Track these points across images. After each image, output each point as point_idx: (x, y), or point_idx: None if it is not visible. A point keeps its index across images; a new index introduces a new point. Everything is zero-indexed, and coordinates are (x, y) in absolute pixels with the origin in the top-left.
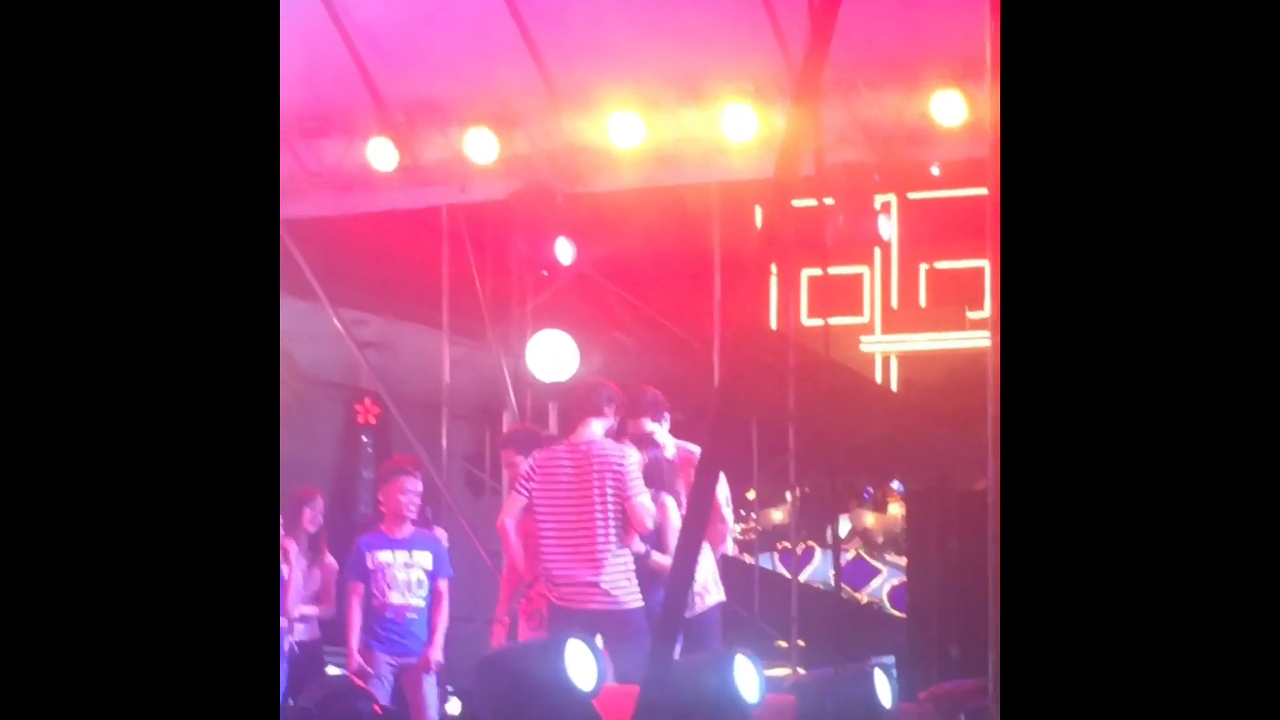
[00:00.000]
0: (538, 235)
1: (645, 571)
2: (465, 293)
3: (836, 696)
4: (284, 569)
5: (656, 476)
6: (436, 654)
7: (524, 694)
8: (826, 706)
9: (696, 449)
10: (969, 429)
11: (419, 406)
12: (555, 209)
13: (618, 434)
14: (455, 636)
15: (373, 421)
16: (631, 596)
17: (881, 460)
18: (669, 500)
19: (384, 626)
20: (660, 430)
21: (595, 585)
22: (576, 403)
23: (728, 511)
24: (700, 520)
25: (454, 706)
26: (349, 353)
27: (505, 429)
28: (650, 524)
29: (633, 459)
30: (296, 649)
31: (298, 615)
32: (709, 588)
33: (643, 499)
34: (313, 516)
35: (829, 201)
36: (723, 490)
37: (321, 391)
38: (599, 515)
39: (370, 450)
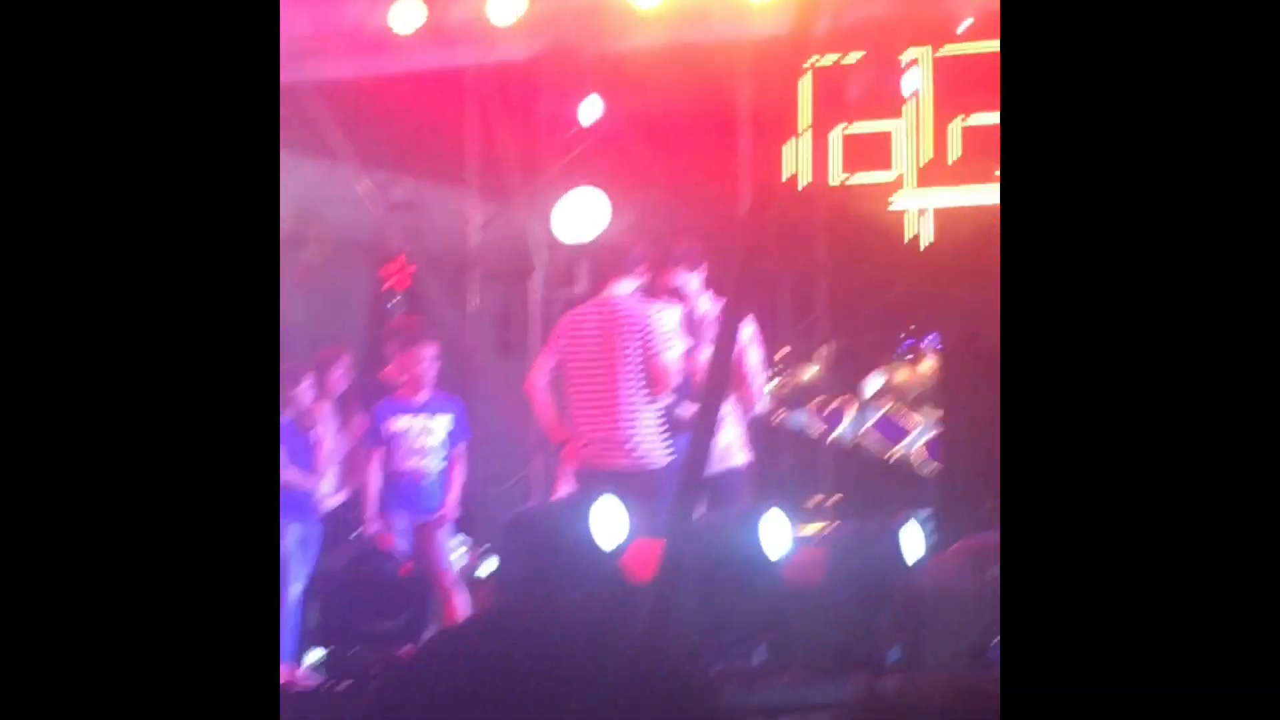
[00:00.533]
0: (564, 94)
1: (674, 422)
2: (493, 153)
3: (866, 550)
4: (317, 430)
5: (687, 330)
6: (452, 511)
7: (552, 552)
8: (856, 560)
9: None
10: (999, 285)
11: (448, 268)
12: (581, 68)
13: (651, 287)
14: (487, 498)
15: (405, 285)
16: (661, 452)
17: (914, 316)
18: (700, 354)
19: (402, 490)
20: (693, 282)
21: (622, 444)
22: (605, 261)
23: (759, 376)
24: (722, 375)
25: (489, 566)
26: (378, 215)
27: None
28: (673, 383)
29: (660, 316)
30: (330, 513)
31: (330, 482)
32: (734, 450)
33: (668, 357)
34: (340, 377)
35: (854, 58)
36: (754, 355)
37: (351, 254)
38: (625, 373)
39: (403, 311)
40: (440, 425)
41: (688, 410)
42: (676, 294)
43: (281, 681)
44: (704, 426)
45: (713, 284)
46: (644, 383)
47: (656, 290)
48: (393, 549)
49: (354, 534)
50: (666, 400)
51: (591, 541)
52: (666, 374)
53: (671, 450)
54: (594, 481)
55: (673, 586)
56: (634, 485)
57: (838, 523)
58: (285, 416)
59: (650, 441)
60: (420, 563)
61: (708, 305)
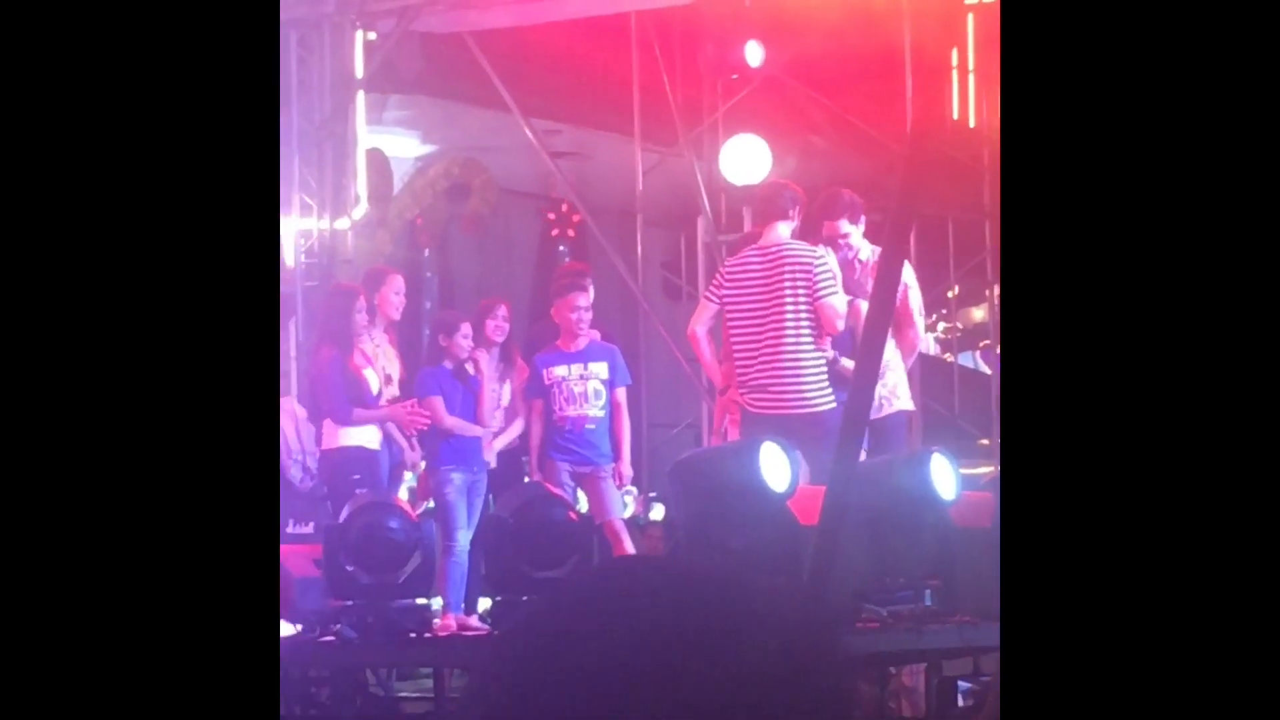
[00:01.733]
0: (726, 39)
1: (834, 377)
2: (656, 99)
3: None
4: (476, 381)
5: (849, 279)
6: (625, 468)
7: (719, 496)
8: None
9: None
10: None
11: (613, 214)
12: (743, 12)
13: (812, 237)
14: (653, 442)
15: (570, 233)
16: (825, 398)
17: None
18: (862, 304)
19: (563, 438)
20: (856, 233)
21: (788, 389)
22: (761, 206)
23: (919, 320)
24: (883, 317)
25: (657, 513)
26: (542, 163)
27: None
28: (841, 324)
29: (823, 258)
30: (494, 461)
31: (495, 428)
32: (897, 393)
33: (833, 299)
34: (496, 326)
35: None
36: (915, 298)
37: (516, 202)
38: (790, 317)
39: (568, 260)
40: (597, 372)
41: (849, 362)
42: (839, 244)
43: (454, 629)
44: (867, 369)
45: (875, 235)
46: (809, 327)
47: (818, 238)
48: (559, 496)
49: (521, 482)
50: (830, 353)
51: (759, 485)
52: (833, 317)
53: (834, 398)
54: (760, 427)
55: (838, 530)
56: (801, 430)
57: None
58: (444, 365)
59: (816, 386)
60: (587, 509)
61: (869, 255)
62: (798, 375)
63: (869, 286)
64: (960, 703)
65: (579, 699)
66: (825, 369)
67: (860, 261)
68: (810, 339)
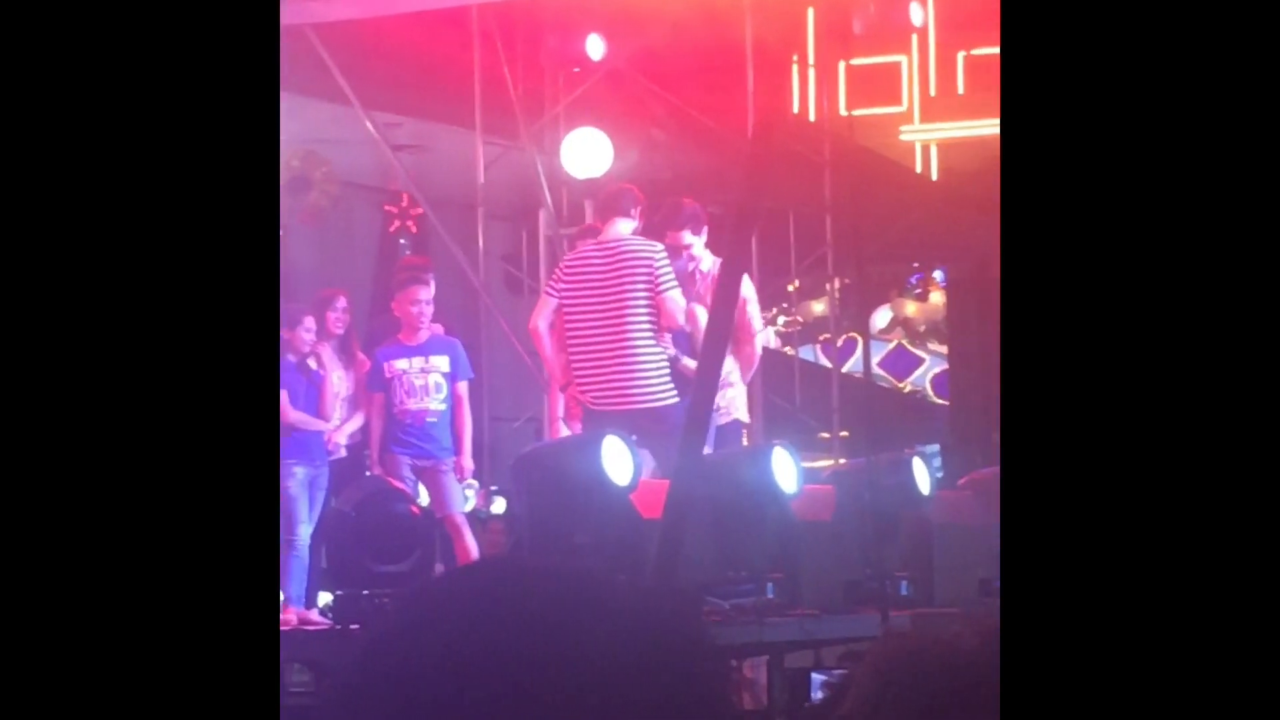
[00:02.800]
0: (568, 32)
1: (676, 375)
2: (497, 92)
3: (875, 485)
4: (319, 373)
5: (690, 290)
6: (467, 461)
7: (562, 491)
8: (865, 495)
9: None
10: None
11: (454, 207)
12: (585, 5)
13: (650, 229)
14: (494, 436)
15: (411, 226)
16: (667, 393)
17: (922, 249)
18: (700, 309)
19: (405, 432)
20: (698, 243)
21: (629, 383)
22: (602, 203)
23: (759, 336)
24: (728, 308)
25: (499, 506)
26: (383, 156)
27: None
28: (682, 319)
29: (663, 254)
30: (343, 453)
31: (339, 425)
32: (735, 404)
33: (674, 293)
34: (336, 318)
35: None
36: (754, 312)
37: (356, 195)
38: (630, 311)
39: (408, 253)
40: (438, 366)
41: (691, 362)
42: (680, 255)
43: (294, 623)
44: (711, 361)
45: (717, 230)
46: (649, 322)
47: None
48: (401, 490)
49: (362, 476)
50: (671, 351)
51: (602, 480)
52: (674, 311)
53: (675, 392)
54: (602, 422)
55: (682, 524)
56: (643, 424)
57: (846, 459)
58: (288, 359)
59: (658, 381)
60: (428, 503)
61: (711, 266)
62: (639, 370)
63: (708, 298)
64: (815, 696)
65: (437, 705)
66: (666, 364)
67: (702, 272)
68: (650, 334)
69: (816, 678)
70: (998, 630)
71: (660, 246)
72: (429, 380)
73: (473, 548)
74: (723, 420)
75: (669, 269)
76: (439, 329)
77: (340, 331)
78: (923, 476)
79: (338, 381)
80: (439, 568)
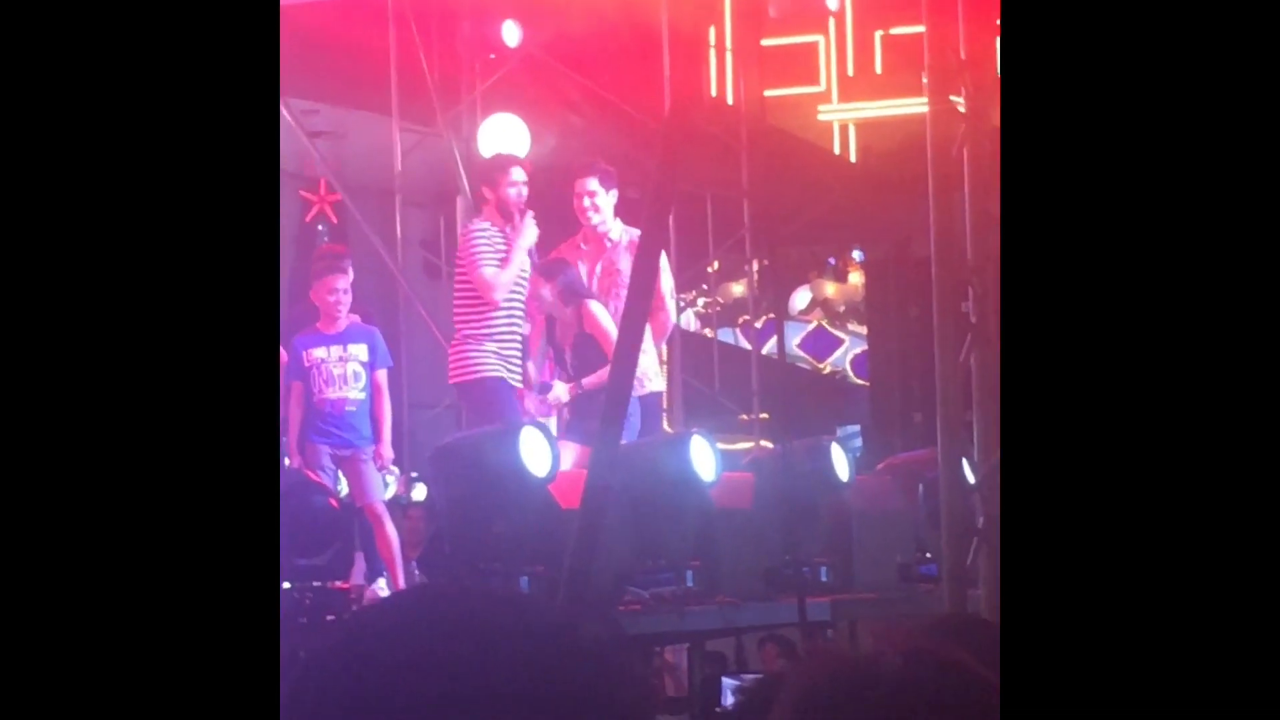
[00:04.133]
0: (484, 18)
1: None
2: (414, 79)
3: (793, 472)
4: None
5: (572, 293)
6: (386, 450)
7: (481, 481)
8: (783, 482)
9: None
10: (927, 196)
11: (372, 194)
12: None
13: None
14: (414, 423)
15: (329, 213)
16: (487, 369)
17: (841, 229)
18: (595, 306)
19: (324, 421)
20: (602, 194)
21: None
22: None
23: (670, 303)
24: (644, 299)
25: (419, 493)
26: (299, 142)
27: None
28: (495, 295)
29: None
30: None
31: None
32: (649, 374)
33: (484, 271)
34: None
35: None
36: (667, 281)
37: None
38: (457, 293)
39: (326, 240)
40: (357, 354)
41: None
42: (584, 205)
43: None
44: (626, 351)
45: (633, 214)
46: (469, 299)
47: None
48: (319, 483)
49: (280, 467)
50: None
51: (519, 470)
52: (486, 288)
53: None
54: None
55: (600, 513)
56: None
57: (766, 444)
58: None
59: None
60: (348, 493)
61: (621, 235)
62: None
63: (621, 264)
64: (727, 700)
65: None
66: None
67: (611, 240)
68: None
69: (727, 682)
70: (921, 649)
71: (478, 222)
72: (347, 369)
73: (393, 537)
74: (640, 392)
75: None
76: (356, 318)
77: None
78: (841, 462)
79: None
80: (359, 559)
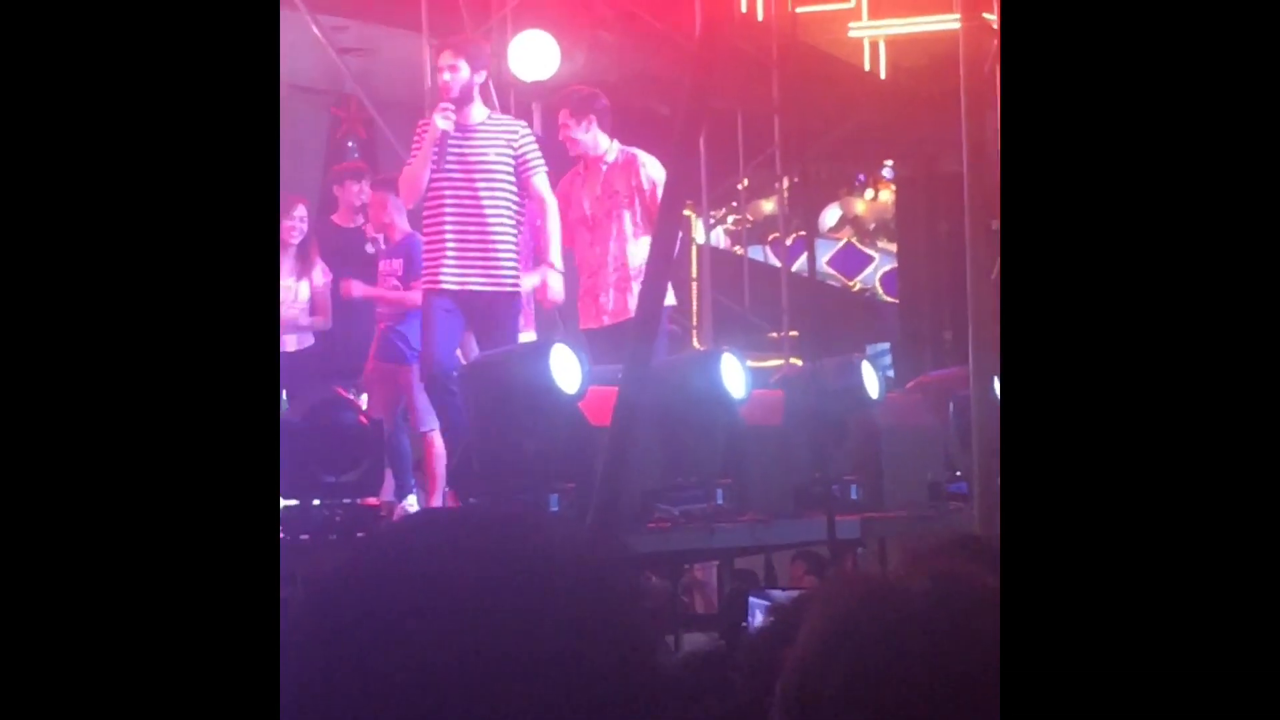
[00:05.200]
0: None
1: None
2: None
3: (823, 389)
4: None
5: (593, 175)
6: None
7: (510, 399)
8: (814, 399)
9: (639, 152)
10: (957, 113)
11: (403, 109)
12: None
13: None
14: None
15: (360, 130)
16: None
17: (871, 147)
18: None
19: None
20: (579, 129)
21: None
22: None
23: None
24: (673, 215)
25: None
26: (330, 60)
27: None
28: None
29: (528, 132)
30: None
31: (292, 326)
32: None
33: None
34: (292, 227)
35: None
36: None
37: (303, 99)
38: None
39: (357, 156)
40: (397, 268)
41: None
42: (564, 134)
43: None
44: (658, 268)
45: (663, 125)
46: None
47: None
48: (348, 400)
49: (311, 385)
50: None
51: (550, 388)
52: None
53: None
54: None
55: (630, 431)
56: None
57: (795, 362)
58: None
59: (507, 265)
60: (390, 411)
61: (616, 154)
62: (494, 251)
63: (617, 184)
64: (755, 619)
65: (383, 657)
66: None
67: (607, 163)
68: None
69: (754, 601)
70: (950, 571)
71: (524, 124)
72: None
73: (441, 457)
74: None
75: (536, 149)
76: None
77: (297, 241)
78: (871, 380)
79: (294, 288)
80: (388, 476)
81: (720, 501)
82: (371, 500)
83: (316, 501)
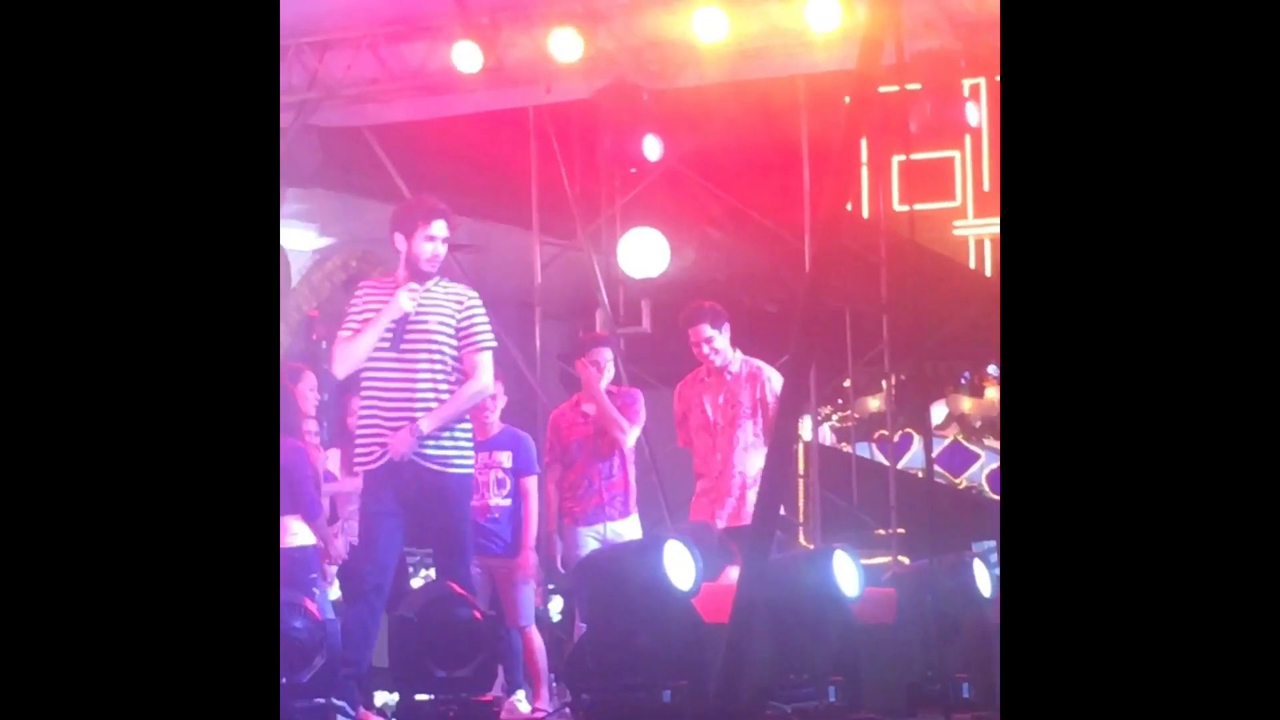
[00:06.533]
0: (624, 132)
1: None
2: (554, 192)
3: (936, 587)
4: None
5: (719, 383)
6: (530, 558)
7: (623, 594)
8: (926, 597)
9: (764, 365)
10: None
11: (511, 306)
12: (641, 106)
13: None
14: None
15: None
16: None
17: (977, 345)
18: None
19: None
20: (719, 336)
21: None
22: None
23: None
24: (793, 419)
25: (556, 605)
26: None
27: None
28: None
29: (476, 302)
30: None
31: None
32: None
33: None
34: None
35: (915, 88)
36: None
37: None
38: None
39: None
40: (501, 461)
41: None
42: (704, 347)
43: None
44: (777, 465)
45: (773, 323)
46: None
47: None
48: (463, 596)
49: (423, 581)
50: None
51: (663, 584)
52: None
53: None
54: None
55: (749, 628)
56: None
57: (906, 559)
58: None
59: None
60: (493, 605)
61: (739, 365)
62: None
63: (741, 395)
64: None
65: None
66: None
67: (731, 373)
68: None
69: None
70: None
71: (474, 293)
72: (491, 476)
73: (542, 651)
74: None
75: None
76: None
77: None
78: (983, 578)
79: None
80: (500, 672)
81: (833, 699)
82: (485, 697)
83: (428, 697)
